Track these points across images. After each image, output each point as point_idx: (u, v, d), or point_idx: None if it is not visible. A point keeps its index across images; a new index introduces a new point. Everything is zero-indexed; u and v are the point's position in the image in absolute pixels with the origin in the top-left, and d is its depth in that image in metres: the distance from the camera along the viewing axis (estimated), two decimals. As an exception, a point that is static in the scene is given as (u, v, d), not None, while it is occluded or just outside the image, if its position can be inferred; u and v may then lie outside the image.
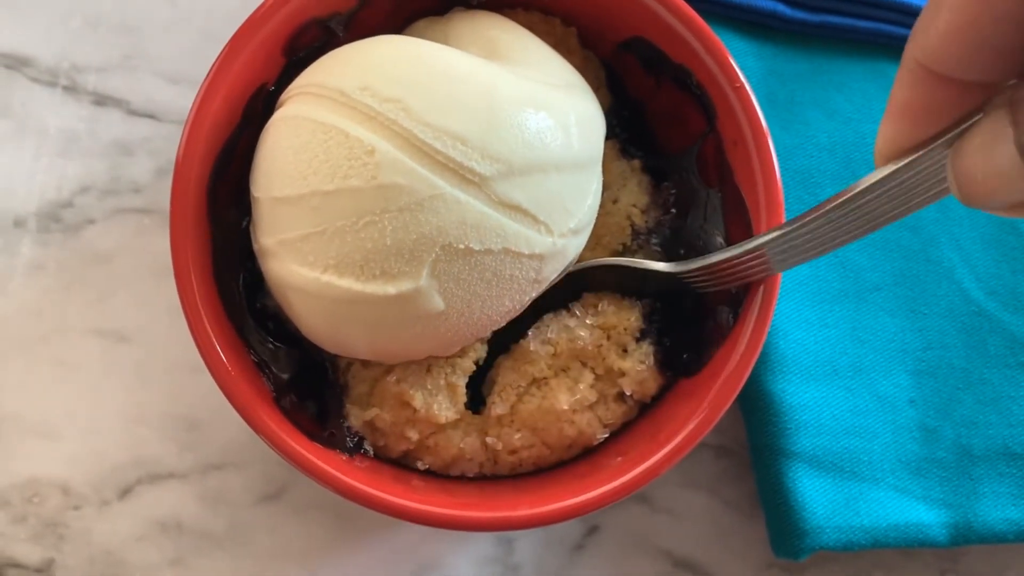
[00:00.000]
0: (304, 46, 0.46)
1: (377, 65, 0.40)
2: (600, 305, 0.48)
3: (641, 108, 0.52)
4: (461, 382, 0.46)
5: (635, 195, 0.50)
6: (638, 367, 0.47)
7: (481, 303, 0.41)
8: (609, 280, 0.48)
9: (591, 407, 0.47)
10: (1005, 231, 0.59)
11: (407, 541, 0.55)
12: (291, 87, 0.43)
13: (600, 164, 0.45)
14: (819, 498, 0.53)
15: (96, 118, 0.57)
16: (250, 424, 0.42)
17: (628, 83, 0.52)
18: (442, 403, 0.46)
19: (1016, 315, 0.58)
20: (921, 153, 0.30)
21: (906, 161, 0.31)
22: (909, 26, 0.57)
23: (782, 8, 0.58)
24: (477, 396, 0.48)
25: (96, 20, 0.58)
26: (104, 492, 0.53)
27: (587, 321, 0.47)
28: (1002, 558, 0.58)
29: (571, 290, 0.48)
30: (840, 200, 0.35)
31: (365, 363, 0.46)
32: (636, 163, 0.50)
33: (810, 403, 0.54)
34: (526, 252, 0.41)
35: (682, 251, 0.49)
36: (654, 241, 0.49)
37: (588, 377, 0.47)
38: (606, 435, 0.48)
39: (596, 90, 0.48)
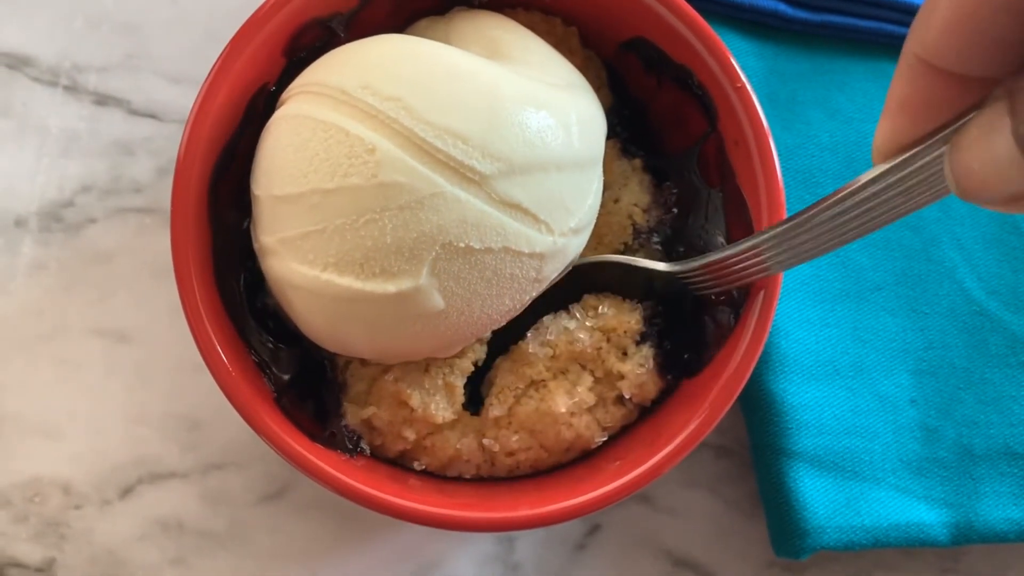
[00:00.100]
0: (305, 46, 0.46)
1: (378, 64, 0.40)
2: (600, 307, 0.47)
3: (643, 108, 0.52)
4: (459, 382, 0.46)
5: (637, 194, 0.50)
6: (638, 370, 0.47)
7: (481, 302, 0.41)
8: (609, 279, 0.48)
9: (590, 410, 0.47)
10: (1007, 231, 0.59)
11: (408, 540, 0.55)
12: (292, 86, 0.43)
13: (601, 164, 0.45)
14: (820, 498, 0.53)
15: (97, 118, 0.57)
16: (251, 424, 0.42)
17: (629, 83, 0.52)
18: (439, 403, 0.46)
19: (1017, 315, 0.58)
20: (918, 149, 0.30)
21: (903, 157, 0.30)
22: (909, 25, 0.57)
23: (784, 7, 0.58)
24: (477, 397, 0.48)
25: (97, 20, 0.58)
26: (105, 492, 0.53)
27: (587, 323, 0.47)
28: (1003, 557, 0.58)
29: (572, 290, 0.47)
30: (837, 196, 0.35)
31: (363, 362, 0.46)
32: (637, 162, 0.50)
33: (811, 403, 0.54)
34: (526, 251, 0.41)
35: (683, 250, 0.49)
36: (655, 240, 0.49)
37: (587, 380, 0.47)
38: (604, 438, 0.48)
39: (597, 90, 0.48)
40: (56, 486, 0.53)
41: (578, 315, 0.47)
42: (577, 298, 0.48)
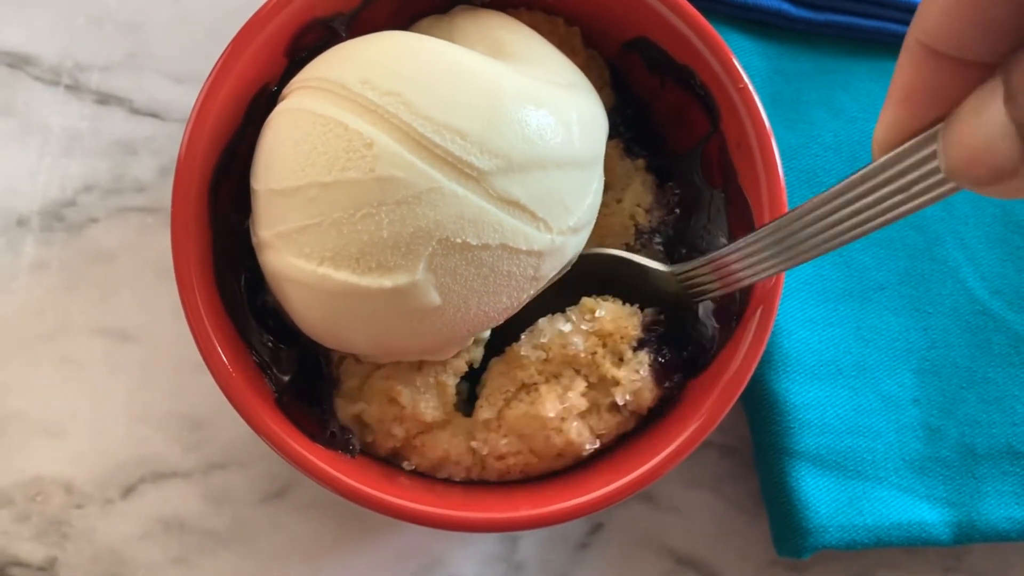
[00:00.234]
0: (307, 46, 0.46)
1: (378, 59, 0.40)
2: (597, 311, 0.46)
3: (646, 107, 0.52)
4: (451, 381, 0.46)
5: (639, 194, 0.50)
6: (633, 376, 0.46)
7: (478, 299, 0.41)
8: (609, 277, 0.47)
9: (582, 416, 0.46)
10: (1011, 230, 0.59)
11: (411, 539, 0.55)
12: (293, 81, 0.43)
13: (602, 164, 0.45)
14: (822, 497, 0.53)
15: (99, 117, 0.57)
16: (251, 425, 0.42)
17: (632, 83, 0.52)
18: (429, 401, 0.46)
19: (1020, 314, 0.58)
20: (916, 140, 0.30)
21: (901, 148, 0.30)
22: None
23: (788, 7, 0.58)
24: (475, 399, 0.47)
25: (99, 18, 0.58)
26: (108, 491, 0.53)
27: (582, 327, 0.46)
28: (1005, 556, 0.58)
29: (572, 288, 0.47)
30: (836, 189, 0.34)
31: (358, 358, 0.46)
32: (640, 162, 0.50)
33: (814, 402, 0.54)
34: (524, 248, 0.40)
35: (684, 251, 0.49)
36: (657, 241, 0.49)
37: (580, 385, 0.46)
38: (596, 445, 0.47)
39: (600, 89, 0.48)
40: (58, 485, 0.53)
41: (574, 318, 0.46)
42: (576, 300, 0.47)
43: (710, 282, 0.45)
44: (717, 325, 0.47)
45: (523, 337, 0.46)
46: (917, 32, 0.28)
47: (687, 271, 0.46)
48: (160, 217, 0.56)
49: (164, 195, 0.56)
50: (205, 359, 0.42)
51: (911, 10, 0.58)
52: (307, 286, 0.40)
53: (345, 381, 0.46)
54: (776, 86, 0.58)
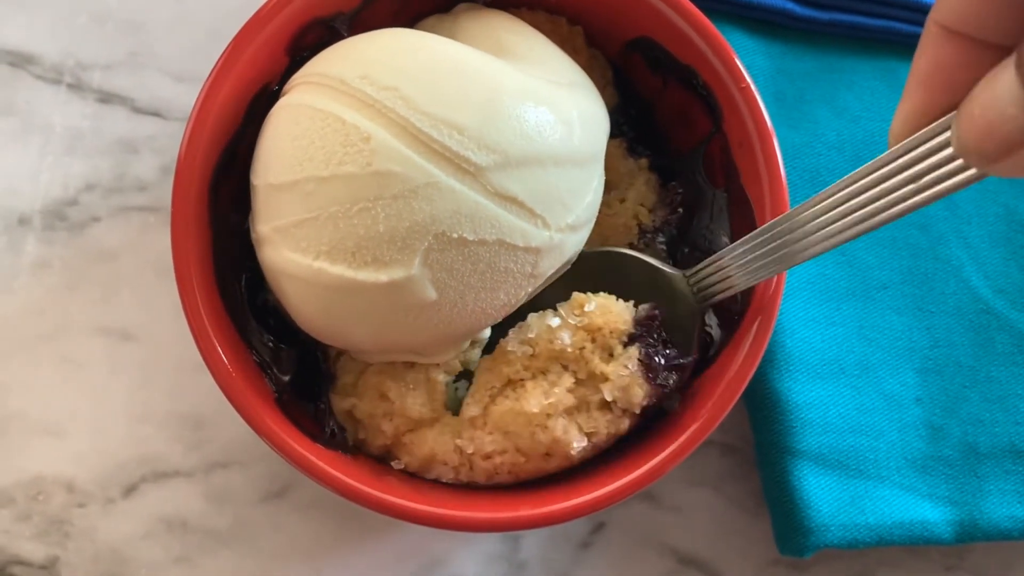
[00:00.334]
0: (308, 46, 0.46)
1: (378, 56, 0.41)
2: (587, 305, 0.45)
3: (649, 107, 0.52)
4: (442, 379, 0.46)
5: (642, 194, 0.50)
6: (621, 372, 0.45)
7: (475, 295, 0.41)
8: (616, 279, 0.47)
9: (569, 413, 0.45)
10: (1014, 229, 0.59)
11: (413, 538, 0.55)
12: (294, 77, 0.43)
13: (602, 163, 0.45)
14: (824, 496, 0.53)
15: (101, 116, 0.57)
16: (251, 424, 0.42)
17: (635, 82, 0.52)
18: (417, 398, 0.45)
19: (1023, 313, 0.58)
20: (932, 126, 0.30)
21: (916, 135, 0.31)
22: (919, 23, 0.57)
23: (792, 6, 0.57)
24: None
25: (101, 17, 0.58)
26: (109, 490, 0.53)
27: (571, 321, 0.45)
28: (1008, 555, 0.58)
29: (572, 288, 0.46)
30: (846, 180, 0.35)
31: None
32: (643, 162, 0.50)
33: (816, 401, 0.54)
34: (521, 244, 0.40)
35: (687, 251, 0.49)
36: (660, 241, 0.49)
37: (567, 381, 0.45)
38: (584, 444, 0.45)
39: (603, 89, 0.48)
40: (59, 484, 0.53)
41: (563, 312, 0.45)
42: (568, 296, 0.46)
43: (719, 282, 0.45)
44: (719, 322, 0.47)
45: (511, 332, 0.45)
46: (937, 15, 0.29)
47: (697, 272, 0.45)
48: (162, 216, 0.56)
49: (166, 194, 0.56)
50: (205, 359, 0.42)
51: (915, 9, 0.58)
52: (304, 280, 0.40)
53: (341, 377, 0.46)
54: (780, 85, 0.58)
